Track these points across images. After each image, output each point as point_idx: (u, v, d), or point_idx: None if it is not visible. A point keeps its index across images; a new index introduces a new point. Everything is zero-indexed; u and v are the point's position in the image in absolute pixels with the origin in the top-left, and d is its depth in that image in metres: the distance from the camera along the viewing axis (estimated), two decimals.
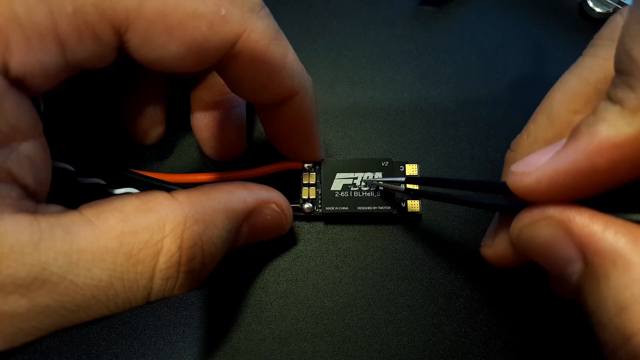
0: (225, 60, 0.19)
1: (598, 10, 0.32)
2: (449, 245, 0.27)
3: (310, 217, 0.27)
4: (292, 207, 0.24)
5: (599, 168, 0.14)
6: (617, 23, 0.19)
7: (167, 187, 0.25)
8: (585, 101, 0.20)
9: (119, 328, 0.26)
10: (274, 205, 0.23)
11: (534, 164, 0.16)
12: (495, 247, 0.22)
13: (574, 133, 0.15)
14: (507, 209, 0.19)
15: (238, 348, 0.25)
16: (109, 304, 0.17)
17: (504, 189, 0.17)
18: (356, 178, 0.26)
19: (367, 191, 0.26)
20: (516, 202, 0.18)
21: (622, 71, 0.14)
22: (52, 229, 0.15)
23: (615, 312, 0.13)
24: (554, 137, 0.20)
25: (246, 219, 0.21)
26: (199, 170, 0.29)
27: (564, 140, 0.15)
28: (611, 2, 0.32)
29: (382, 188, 0.26)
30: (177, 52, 0.18)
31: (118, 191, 0.25)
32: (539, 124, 0.21)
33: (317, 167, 0.26)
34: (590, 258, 0.14)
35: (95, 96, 0.28)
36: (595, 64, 0.20)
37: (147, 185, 0.26)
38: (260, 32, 0.19)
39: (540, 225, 0.16)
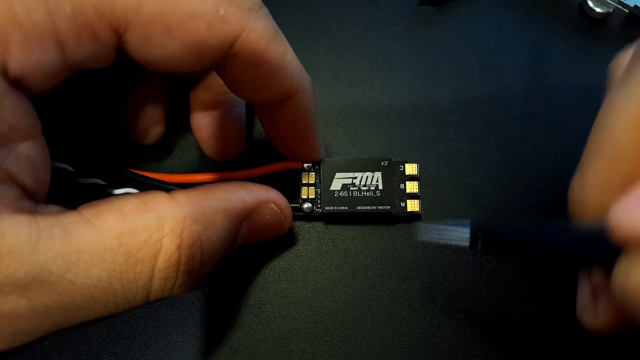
0: (224, 60, 0.19)
1: (598, 10, 0.32)
2: (449, 245, 0.27)
3: (309, 217, 0.27)
4: (292, 207, 0.24)
5: None
6: None
7: (167, 188, 0.25)
8: None
9: (119, 328, 0.26)
10: (273, 205, 0.23)
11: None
12: (600, 314, 0.19)
13: None
14: (607, 255, 0.16)
15: (238, 348, 0.25)
16: (108, 303, 0.17)
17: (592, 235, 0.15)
18: (355, 178, 0.26)
19: (367, 191, 0.26)
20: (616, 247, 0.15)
21: None
22: (51, 229, 0.15)
23: None
24: (629, 178, 0.16)
25: (245, 218, 0.21)
26: (199, 170, 0.29)
27: None
28: (611, 2, 0.32)
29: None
30: (176, 52, 0.18)
31: (117, 191, 0.25)
32: (604, 165, 0.17)
33: (316, 166, 0.26)
34: None
35: (94, 96, 0.28)
36: None
37: (146, 186, 0.26)
38: (259, 32, 0.19)
39: None
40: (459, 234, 0.19)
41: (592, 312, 0.19)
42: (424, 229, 0.21)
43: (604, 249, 0.16)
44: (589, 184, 0.18)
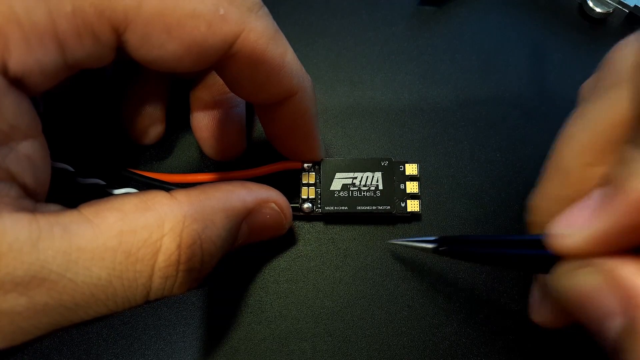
0: (224, 60, 0.19)
1: (598, 10, 0.32)
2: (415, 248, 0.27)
3: (309, 216, 0.27)
4: (292, 206, 0.24)
5: None
6: (615, 65, 0.19)
7: (167, 188, 0.25)
8: (597, 152, 0.18)
9: (119, 328, 0.26)
10: (273, 205, 0.23)
11: (572, 224, 0.16)
12: (545, 311, 0.21)
13: (609, 188, 0.15)
14: (546, 260, 0.18)
15: (238, 348, 0.25)
16: (108, 302, 0.17)
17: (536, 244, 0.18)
18: (355, 178, 0.26)
19: (367, 191, 0.26)
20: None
21: None
22: (51, 227, 0.15)
23: None
24: (572, 194, 0.19)
25: (245, 218, 0.21)
26: (199, 170, 0.29)
27: (595, 196, 0.16)
28: (611, 2, 0.32)
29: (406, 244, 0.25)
30: (176, 51, 0.18)
31: (117, 191, 0.25)
32: (553, 182, 0.20)
33: (316, 166, 0.26)
34: (632, 313, 0.14)
35: (94, 96, 0.28)
36: (600, 112, 0.18)
37: (146, 186, 0.26)
38: (258, 31, 0.19)
39: (582, 273, 0.16)
40: (426, 243, 0.23)
41: (538, 310, 0.22)
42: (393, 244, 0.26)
43: (544, 255, 0.18)
44: (541, 198, 0.21)
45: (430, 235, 0.23)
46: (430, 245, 0.23)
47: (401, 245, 0.25)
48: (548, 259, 0.17)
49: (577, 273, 0.16)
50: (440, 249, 0.22)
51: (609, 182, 0.15)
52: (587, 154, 0.19)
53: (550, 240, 0.16)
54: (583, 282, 0.16)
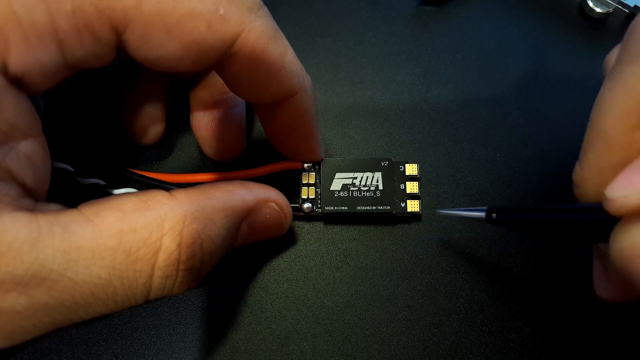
0: (223, 59, 0.19)
1: (598, 10, 0.32)
2: (449, 245, 0.27)
3: (309, 216, 0.27)
4: (292, 206, 0.24)
5: None
6: None
7: (167, 187, 0.25)
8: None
9: (119, 328, 0.26)
10: (273, 204, 0.23)
11: (632, 185, 0.16)
12: (610, 285, 0.21)
13: None
14: (605, 226, 0.18)
15: (238, 348, 0.25)
16: (108, 302, 0.17)
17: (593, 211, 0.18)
18: (356, 178, 0.26)
19: (367, 191, 0.26)
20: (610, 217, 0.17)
21: None
22: (51, 226, 0.15)
23: None
24: (620, 161, 0.18)
25: (245, 217, 0.21)
26: (199, 170, 0.29)
27: None
28: (611, 2, 0.32)
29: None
30: (176, 51, 0.18)
31: (117, 191, 0.25)
32: (598, 152, 0.19)
33: (316, 166, 0.26)
34: None
35: (94, 96, 0.28)
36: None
37: (146, 186, 0.26)
38: (258, 31, 0.19)
39: None
40: (477, 212, 0.22)
41: (603, 285, 0.21)
42: (444, 210, 0.24)
43: (603, 221, 0.17)
44: (587, 170, 0.20)
45: (480, 207, 0.22)
46: (481, 214, 0.22)
47: (451, 215, 0.24)
48: (607, 224, 0.17)
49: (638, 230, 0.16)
50: (493, 216, 0.22)
51: None
52: (631, 118, 0.18)
53: (610, 203, 0.16)
54: None
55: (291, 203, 0.24)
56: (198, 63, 0.19)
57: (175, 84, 0.28)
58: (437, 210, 0.25)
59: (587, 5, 0.33)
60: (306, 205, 0.26)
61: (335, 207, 0.26)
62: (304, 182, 0.26)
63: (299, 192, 0.26)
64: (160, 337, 0.26)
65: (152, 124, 0.27)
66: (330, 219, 0.28)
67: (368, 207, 0.26)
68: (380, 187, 0.26)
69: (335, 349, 0.25)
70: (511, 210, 0.22)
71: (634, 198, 0.16)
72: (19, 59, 0.15)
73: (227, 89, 0.23)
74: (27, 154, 0.17)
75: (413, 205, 0.26)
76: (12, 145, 0.16)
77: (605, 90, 0.19)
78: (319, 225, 0.28)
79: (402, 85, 0.31)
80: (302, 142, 0.25)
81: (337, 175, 0.26)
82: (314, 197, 0.26)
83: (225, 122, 0.26)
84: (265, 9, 0.20)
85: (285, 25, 0.23)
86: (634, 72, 0.18)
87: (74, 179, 0.25)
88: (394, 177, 0.26)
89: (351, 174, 0.26)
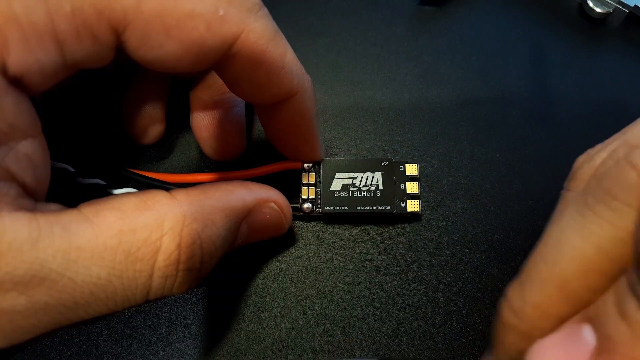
0: (223, 60, 0.19)
1: (598, 10, 0.32)
2: (449, 245, 0.27)
3: (309, 217, 0.27)
4: (292, 206, 0.24)
5: None
6: (631, 184, 0.16)
7: (167, 187, 0.25)
8: (602, 276, 0.16)
9: (119, 328, 0.26)
10: (273, 204, 0.23)
11: None
12: None
13: (608, 346, 0.14)
14: None
15: (238, 348, 0.25)
16: (108, 302, 0.17)
17: None
18: (356, 178, 0.26)
19: (367, 191, 0.26)
20: None
21: None
22: (50, 226, 0.15)
23: None
24: (567, 314, 0.17)
25: (245, 217, 0.21)
26: (199, 170, 0.29)
27: (586, 340, 0.15)
28: (611, 2, 0.32)
29: None
30: (175, 52, 0.18)
31: (117, 191, 0.25)
32: (550, 297, 0.17)
33: (316, 167, 0.26)
34: None
35: (94, 96, 0.28)
36: (617, 235, 0.16)
37: (146, 186, 0.26)
38: (258, 32, 0.19)
39: None
40: None
41: None
42: None
43: None
44: (529, 307, 0.18)
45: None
46: None
47: None
48: None
49: None
50: None
51: (601, 326, 0.14)
52: (593, 277, 0.16)
53: None
54: None
55: (291, 203, 0.24)
56: (198, 64, 0.19)
57: (175, 84, 0.28)
58: None
59: (587, 5, 0.33)
60: (306, 205, 0.26)
61: (335, 207, 0.26)
62: (304, 182, 0.26)
63: (299, 192, 0.26)
64: (160, 337, 0.26)
65: (152, 124, 0.27)
66: (330, 219, 0.28)
67: (368, 207, 0.26)
68: (380, 187, 0.26)
69: (335, 349, 0.25)
70: None
71: None
72: (18, 59, 0.15)
73: (227, 89, 0.23)
74: (27, 153, 0.17)
75: (413, 205, 0.26)
76: (12, 145, 0.16)
77: (567, 230, 0.17)
78: (319, 225, 0.28)
79: (402, 85, 0.31)
80: (302, 142, 0.25)
81: (337, 175, 0.26)
82: (314, 197, 0.26)
83: (225, 122, 0.26)
84: (265, 10, 0.20)
85: (285, 25, 0.23)
86: (602, 229, 0.16)
87: (74, 179, 0.25)
88: (394, 177, 0.26)
89: (351, 174, 0.26)
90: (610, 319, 0.14)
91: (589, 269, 0.16)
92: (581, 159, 0.20)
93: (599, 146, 0.19)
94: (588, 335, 0.15)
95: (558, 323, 0.17)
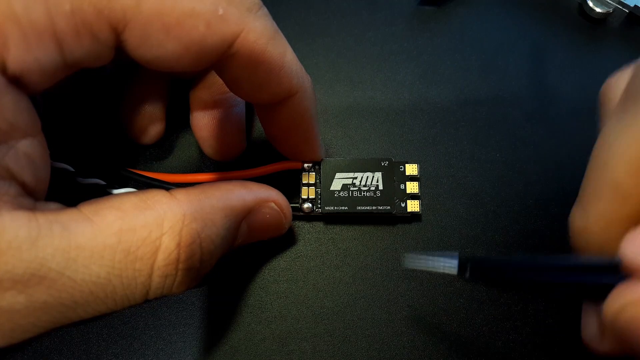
0: (223, 59, 0.19)
1: (598, 10, 0.32)
2: (449, 245, 0.27)
3: (309, 216, 0.27)
4: (292, 206, 0.24)
5: None
6: None
7: (167, 187, 0.25)
8: None
9: (119, 328, 0.26)
10: (273, 204, 0.23)
11: None
12: (606, 342, 0.19)
13: None
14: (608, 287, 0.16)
15: (238, 348, 0.25)
16: (107, 301, 0.17)
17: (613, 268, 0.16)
18: (356, 178, 0.26)
19: (367, 191, 0.26)
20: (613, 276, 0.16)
21: None
22: (50, 225, 0.15)
23: None
24: (631, 215, 0.17)
25: (245, 217, 0.21)
26: (199, 170, 0.29)
27: None
28: (611, 2, 0.32)
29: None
30: (175, 51, 0.18)
31: (117, 191, 0.25)
32: (608, 204, 0.18)
33: (316, 166, 0.26)
34: None
35: (93, 95, 0.28)
36: None
37: (146, 186, 0.26)
38: (258, 31, 0.19)
39: None
40: (448, 264, 0.19)
41: (599, 341, 0.19)
42: (412, 258, 0.21)
43: (611, 280, 0.16)
44: (593, 220, 0.18)
45: (451, 253, 0.19)
46: (453, 264, 0.19)
47: (420, 265, 0.21)
48: (610, 286, 0.16)
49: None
50: (468, 274, 0.18)
51: None
52: None
53: (625, 261, 0.15)
54: None
55: (291, 203, 0.24)
56: (197, 63, 0.19)
57: (175, 84, 0.28)
58: (406, 256, 0.22)
59: (587, 5, 0.33)
60: (306, 205, 0.26)
61: (335, 207, 0.26)
62: (304, 182, 0.26)
63: (299, 192, 0.26)
64: (160, 337, 0.26)
65: (151, 123, 0.27)
66: (330, 219, 0.28)
67: (368, 207, 0.26)
68: (380, 187, 0.26)
69: (335, 349, 0.25)
70: (491, 265, 0.19)
71: None
72: (18, 58, 0.15)
73: (227, 89, 0.23)
74: (27, 152, 0.17)
75: (413, 205, 0.26)
76: (12, 144, 0.16)
77: (612, 135, 0.18)
78: (319, 225, 0.28)
79: (402, 85, 0.31)
80: (302, 142, 0.25)
81: (337, 175, 0.26)
82: (314, 197, 0.26)
83: (225, 122, 0.26)
84: (265, 9, 0.20)
85: (285, 25, 0.23)
86: None
87: (74, 179, 0.25)
88: (394, 177, 0.26)
89: (351, 174, 0.26)
90: None
91: (638, 163, 0.17)
92: (606, 84, 0.20)
93: (620, 72, 0.20)
94: None
95: (630, 225, 0.17)
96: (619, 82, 0.19)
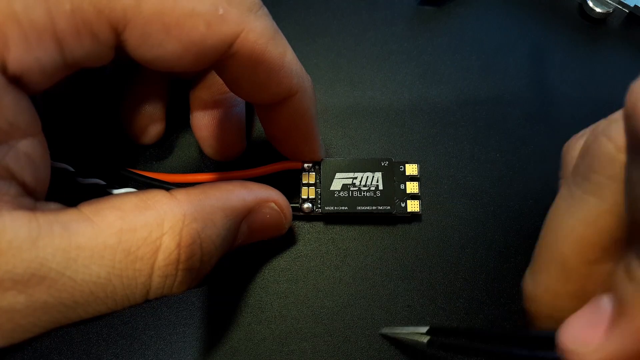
0: (223, 59, 0.19)
1: (598, 10, 0.32)
2: (449, 245, 0.27)
3: (309, 216, 0.27)
4: (292, 206, 0.24)
5: None
6: (609, 156, 0.17)
7: (167, 187, 0.25)
8: (600, 250, 0.17)
9: (119, 328, 0.26)
10: (273, 204, 0.23)
11: (586, 341, 0.15)
12: None
13: (621, 306, 0.15)
14: None
15: (238, 348, 0.25)
16: (108, 301, 0.17)
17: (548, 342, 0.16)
18: (356, 178, 0.26)
19: (367, 191, 0.26)
20: None
21: None
22: (50, 225, 0.15)
23: None
24: (576, 290, 0.18)
25: (245, 217, 0.21)
26: (199, 170, 0.29)
27: (605, 308, 0.15)
28: (611, 2, 0.32)
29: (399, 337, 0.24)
30: (175, 51, 0.18)
31: (117, 191, 0.25)
32: (554, 277, 0.19)
33: (316, 166, 0.26)
34: None
35: (94, 95, 0.28)
36: (603, 208, 0.17)
37: (146, 186, 0.26)
38: (258, 31, 0.19)
39: None
40: (419, 342, 0.22)
41: None
42: (388, 329, 0.25)
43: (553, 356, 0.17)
44: (541, 290, 0.19)
45: (422, 325, 0.22)
46: (423, 339, 0.22)
47: (393, 336, 0.25)
48: None
49: None
50: (433, 342, 0.21)
51: (615, 292, 0.15)
52: (589, 252, 0.18)
53: (567, 354, 0.16)
54: None
55: (291, 203, 0.24)
56: (197, 63, 0.19)
57: (175, 84, 0.28)
58: (380, 332, 0.25)
59: (587, 5, 0.33)
60: (306, 205, 0.26)
61: (335, 207, 0.26)
62: (304, 182, 0.26)
63: (299, 192, 0.26)
64: (160, 337, 0.26)
65: (151, 123, 0.27)
66: (330, 219, 0.28)
67: (368, 207, 0.26)
68: (380, 187, 0.26)
69: (335, 349, 0.25)
70: (451, 334, 0.21)
71: (592, 357, 0.15)
72: (18, 57, 0.15)
73: (227, 89, 0.23)
74: (27, 152, 0.17)
75: (413, 205, 0.26)
76: (12, 144, 0.16)
77: (563, 213, 0.19)
78: (319, 225, 0.28)
79: (402, 85, 0.31)
80: (302, 142, 0.25)
81: (337, 175, 0.26)
82: (314, 197, 0.26)
83: (225, 122, 0.26)
84: (265, 9, 0.20)
85: (285, 25, 0.23)
86: (598, 207, 0.17)
87: (74, 179, 0.25)
88: (394, 177, 0.26)
89: (351, 174, 0.26)
90: (621, 284, 0.15)
91: (583, 244, 0.18)
92: (567, 144, 0.21)
93: (583, 131, 0.21)
94: (606, 303, 0.15)
95: (574, 300, 0.18)
96: (579, 143, 0.20)
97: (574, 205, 0.18)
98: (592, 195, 0.17)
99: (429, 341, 0.22)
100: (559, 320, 0.16)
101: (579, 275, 0.18)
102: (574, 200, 0.18)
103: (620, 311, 0.15)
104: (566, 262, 0.18)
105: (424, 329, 0.22)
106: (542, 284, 0.19)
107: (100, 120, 0.28)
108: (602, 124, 0.18)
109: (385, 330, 0.25)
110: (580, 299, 0.17)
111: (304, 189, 0.26)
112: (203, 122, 0.26)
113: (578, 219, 0.18)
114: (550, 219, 0.19)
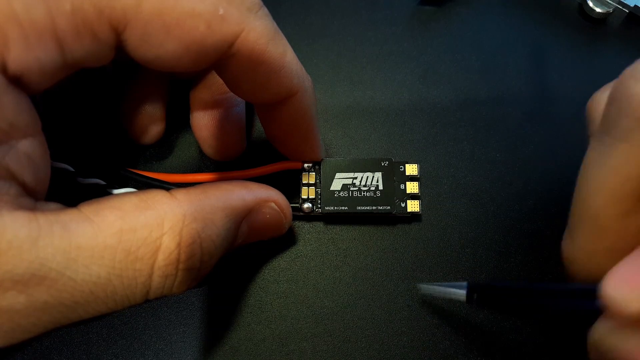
0: (223, 59, 0.19)
1: (598, 10, 0.32)
2: (449, 245, 0.27)
3: (309, 216, 0.27)
4: (292, 206, 0.24)
5: None
6: (638, 97, 0.16)
7: (167, 187, 0.25)
8: (634, 201, 0.17)
9: (119, 328, 0.26)
10: (273, 204, 0.23)
11: (631, 287, 0.15)
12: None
13: None
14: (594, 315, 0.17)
15: (238, 348, 0.25)
16: (108, 301, 0.17)
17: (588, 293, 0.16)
18: (356, 178, 0.26)
19: (367, 191, 0.26)
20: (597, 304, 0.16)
21: None
22: (50, 225, 0.15)
23: None
24: (614, 246, 0.18)
25: (245, 217, 0.21)
26: (199, 170, 0.29)
27: None
28: (611, 2, 0.32)
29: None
30: (175, 51, 0.18)
31: (117, 191, 0.25)
32: (590, 235, 0.18)
33: (316, 166, 0.26)
34: None
35: (94, 95, 0.28)
36: (634, 154, 0.16)
37: (146, 186, 0.26)
38: (258, 31, 0.19)
39: (627, 333, 0.15)
40: (457, 294, 0.22)
41: None
42: (424, 288, 0.25)
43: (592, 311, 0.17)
44: (577, 249, 0.19)
45: (460, 281, 0.22)
46: (462, 292, 0.21)
47: (430, 293, 0.25)
48: (596, 314, 0.16)
49: (628, 335, 0.15)
50: (474, 299, 0.21)
51: None
52: (622, 204, 0.17)
53: (610, 302, 0.15)
54: (629, 343, 0.15)
55: (291, 203, 0.24)
56: (197, 63, 0.19)
57: (175, 84, 0.28)
58: (418, 285, 0.26)
59: (587, 5, 0.33)
60: (306, 205, 0.26)
61: (335, 207, 0.26)
62: (304, 182, 0.26)
63: (299, 192, 0.26)
64: (160, 337, 0.26)
65: (152, 123, 0.27)
66: (330, 219, 0.28)
67: (368, 207, 0.26)
68: (380, 187, 0.26)
69: (335, 349, 0.25)
70: (495, 290, 0.20)
71: (634, 304, 0.15)
72: (18, 57, 0.15)
73: (227, 89, 0.23)
74: (27, 152, 0.17)
75: (413, 205, 0.26)
76: (12, 144, 0.16)
77: (593, 166, 0.18)
78: (319, 225, 0.28)
79: (402, 85, 0.31)
80: (302, 142, 0.25)
81: (337, 175, 0.26)
82: (314, 197, 0.26)
83: (225, 122, 0.26)
84: (265, 9, 0.20)
85: (285, 25, 0.23)
86: (629, 153, 0.16)
87: (74, 179, 0.25)
88: (394, 177, 0.26)
89: (351, 174, 0.26)
90: None
91: (615, 195, 0.17)
92: (592, 99, 0.20)
93: (607, 85, 0.20)
94: None
95: (611, 257, 0.17)
96: (604, 96, 0.19)
97: (603, 155, 0.17)
98: (623, 141, 0.16)
99: (468, 297, 0.21)
100: (598, 280, 0.16)
101: (614, 230, 0.17)
102: (603, 150, 0.17)
103: None
104: (599, 217, 0.18)
105: (463, 284, 0.21)
106: (577, 243, 0.19)
107: (100, 120, 0.28)
108: (627, 69, 0.17)
109: (423, 286, 0.25)
110: (618, 255, 0.16)
111: (304, 189, 0.26)
112: (203, 122, 0.26)
113: (609, 169, 0.17)
114: (581, 175, 0.19)
